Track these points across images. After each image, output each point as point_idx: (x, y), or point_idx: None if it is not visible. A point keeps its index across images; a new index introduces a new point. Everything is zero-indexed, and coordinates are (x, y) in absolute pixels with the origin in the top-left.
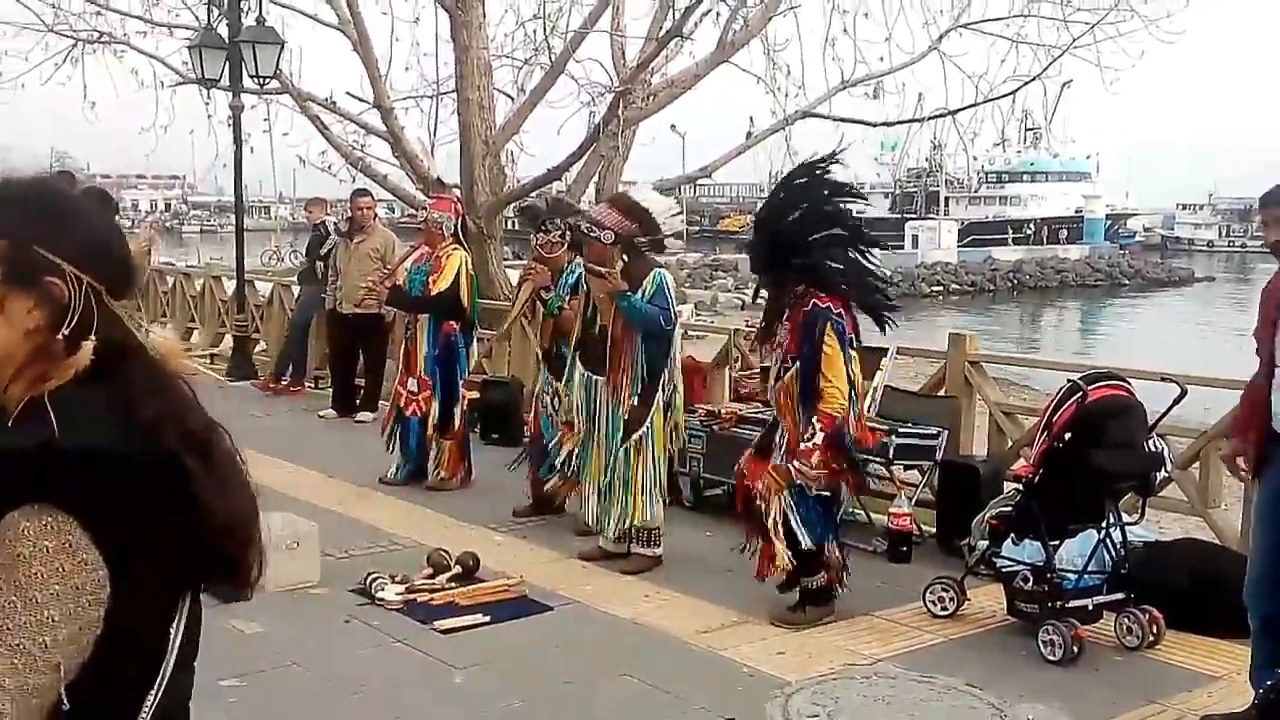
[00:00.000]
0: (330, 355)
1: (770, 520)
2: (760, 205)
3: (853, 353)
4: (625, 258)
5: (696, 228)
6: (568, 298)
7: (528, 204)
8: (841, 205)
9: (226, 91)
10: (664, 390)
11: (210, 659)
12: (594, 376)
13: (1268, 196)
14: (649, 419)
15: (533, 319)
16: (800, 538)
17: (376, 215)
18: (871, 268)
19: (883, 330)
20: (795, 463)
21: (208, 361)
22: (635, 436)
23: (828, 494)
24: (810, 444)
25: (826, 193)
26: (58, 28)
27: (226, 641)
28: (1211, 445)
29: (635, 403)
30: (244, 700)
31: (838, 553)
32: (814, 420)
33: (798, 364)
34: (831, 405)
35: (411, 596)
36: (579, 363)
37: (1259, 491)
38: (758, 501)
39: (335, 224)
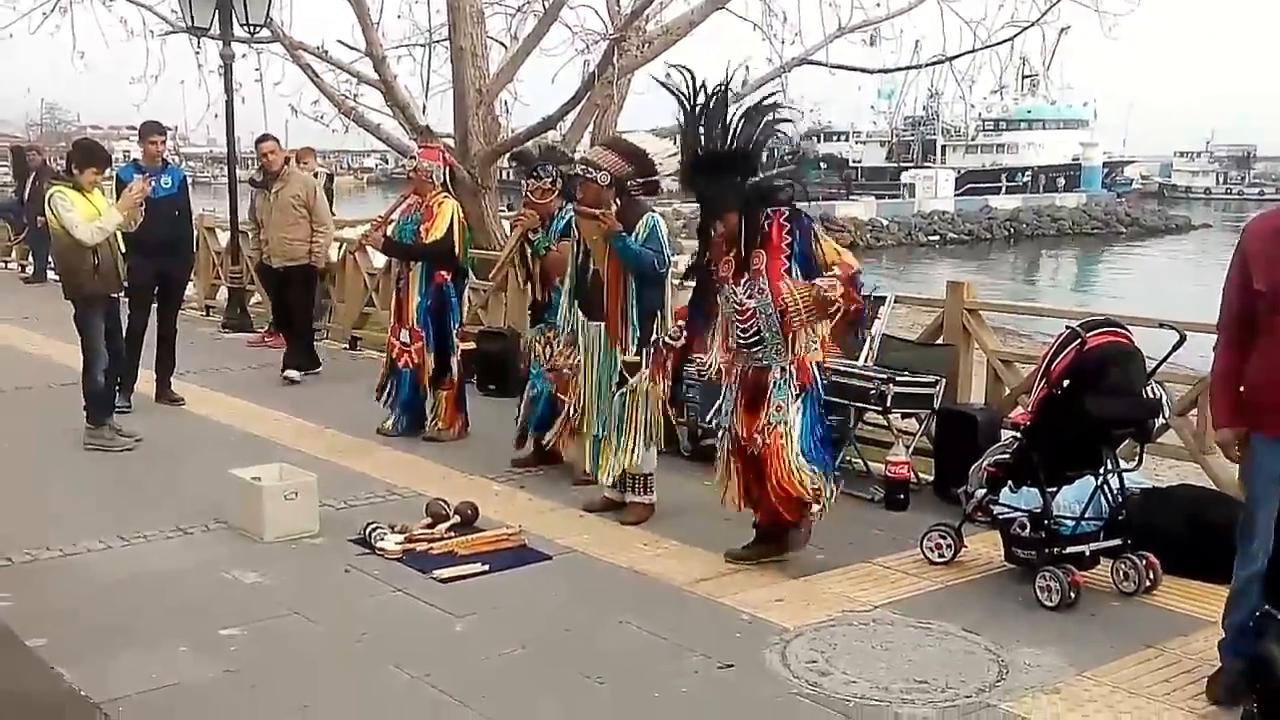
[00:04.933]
0: (274, 311)
1: (786, 464)
2: (687, 148)
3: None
4: (618, 201)
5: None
6: (557, 240)
7: (521, 149)
8: (769, 118)
9: (217, 40)
10: (659, 337)
11: (210, 608)
12: (589, 322)
13: None
14: (645, 366)
15: (522, 265)
16: (808, 478)
17: (288, 160)
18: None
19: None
20: (821, 281)
21: (202, 312)
22: (631, 383)
23: (835, 433)
24: (835, 286)
25: (745, 112)
26: None
27: (226, 591)
28: (1209, 391)
29: (633, 350)
30: (244, 649)
31: (836, 489)
32: (835, 271)
33: (798, 270)
34: (845, 261)
35: (410, 546)
36: (575, 309)
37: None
38: (761, 447)
39: (250, 176)
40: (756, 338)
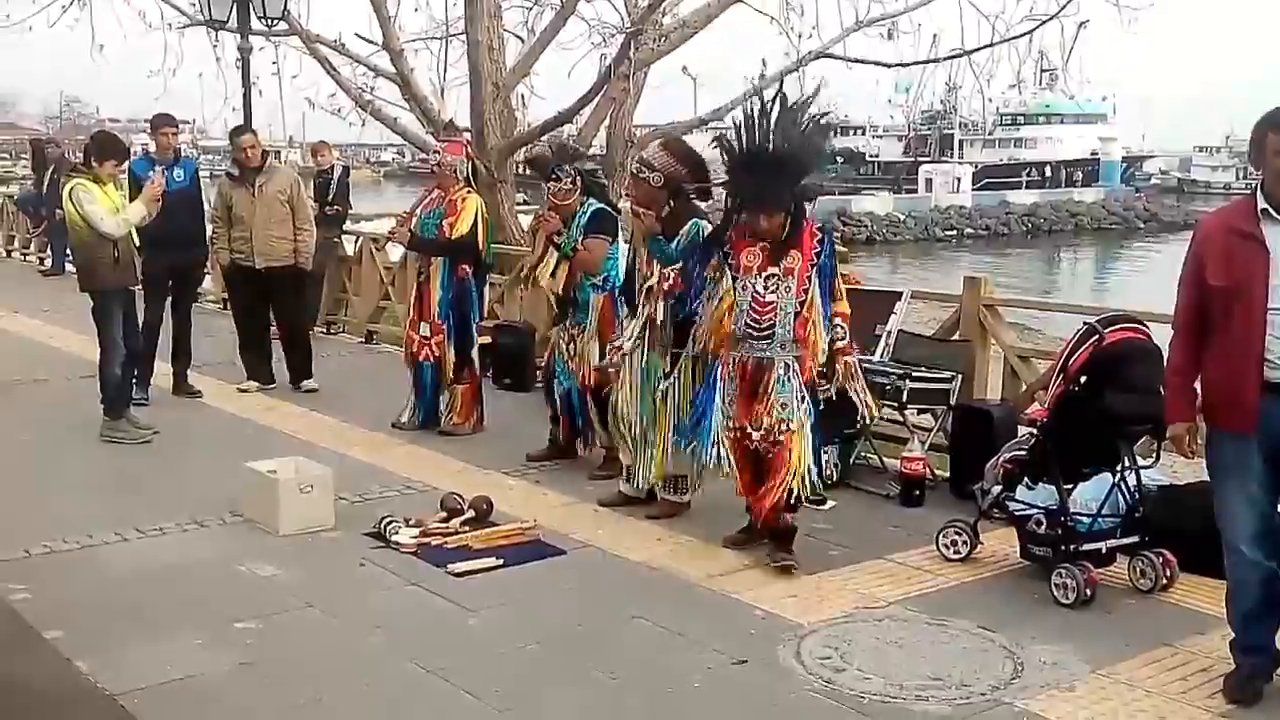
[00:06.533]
0: (240, 321)
1: (795, 456)
2: (750, 136)
3: None
4: (670, 203)
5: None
6: (580, 238)
7: (535, 154)
8: (816, 123)
9: (234, 33)
10: (694, 342)
11: (225, 601)
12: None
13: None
14: (678, 371)
15: (546, 266)
16: (813, 468)
17: (268, 154)
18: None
19: None
20: (847, 358)
21: (220, 306)
22: (663, 387)
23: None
24: (847, 341)
25: (797, 113)
26: None
27: (241, 584)
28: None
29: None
30: (259, 642)
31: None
32: (836, 320)
33: (816, 283)
34: (844, 305)
35: (425, 540)
36: (624, 305)
37: (1256, 452)
38: (768, 446)
39: (227, 169)
40: (768, 331)
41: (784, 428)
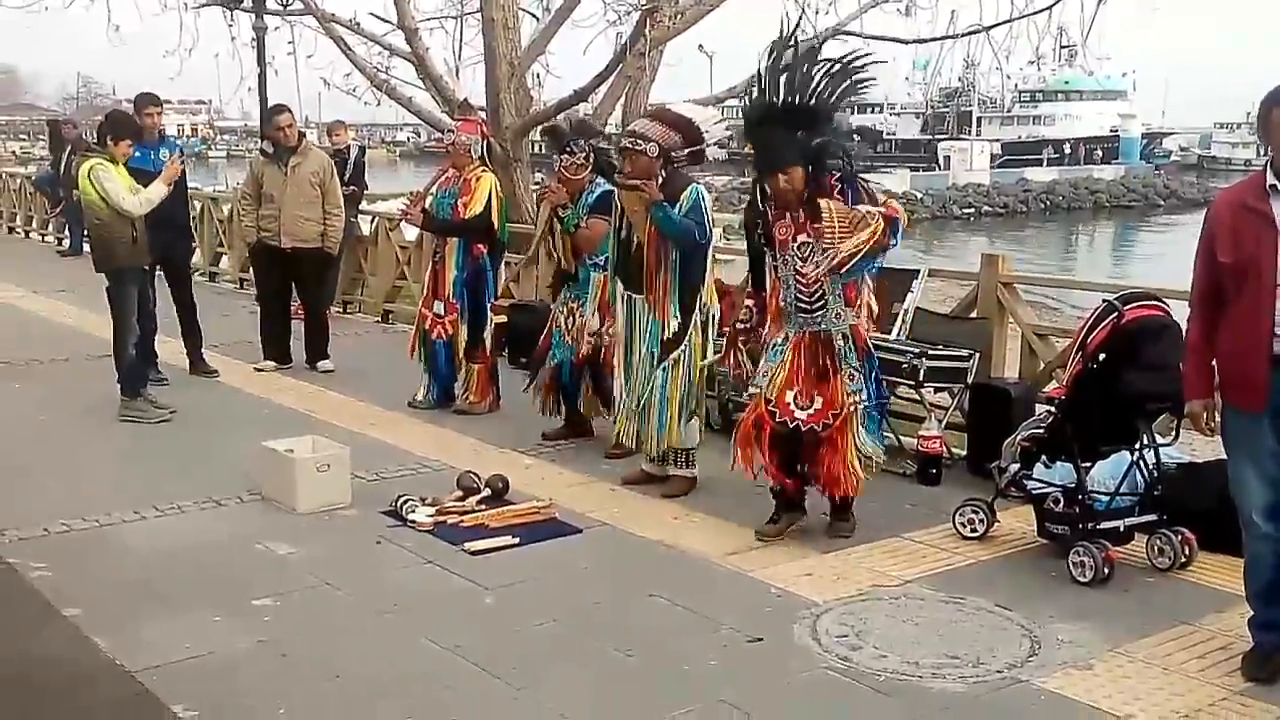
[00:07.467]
0: (261, 298)
1: (853, 430)
2: (759, 99)
3: None
4: (664, 172)
5: (724, 150)
6: (585, 216)
7: (552, 125)
8: (852, 81)
9: (250, 13)
10: (702, 310)
11: (243, 578)
12: (633, 295)
13: None
14: (687, 339)
15: (552, 240)
16: (867, 443)
17: (304, 135)
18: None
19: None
20: (862, 208)
21: (237, 285)
22: (674, 356)
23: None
24: (874, 210)
25: (829, 70)
26: None
27: (258, 561)
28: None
29: (676, 323)
30: (277, 619)
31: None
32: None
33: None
34: (892, 206)
35: (442, 518)
36: (618, 281)
37: (1268, 427)
38: (821, 425)
39: (261, 147)
40: (821, 303)
41: (851, 397)
